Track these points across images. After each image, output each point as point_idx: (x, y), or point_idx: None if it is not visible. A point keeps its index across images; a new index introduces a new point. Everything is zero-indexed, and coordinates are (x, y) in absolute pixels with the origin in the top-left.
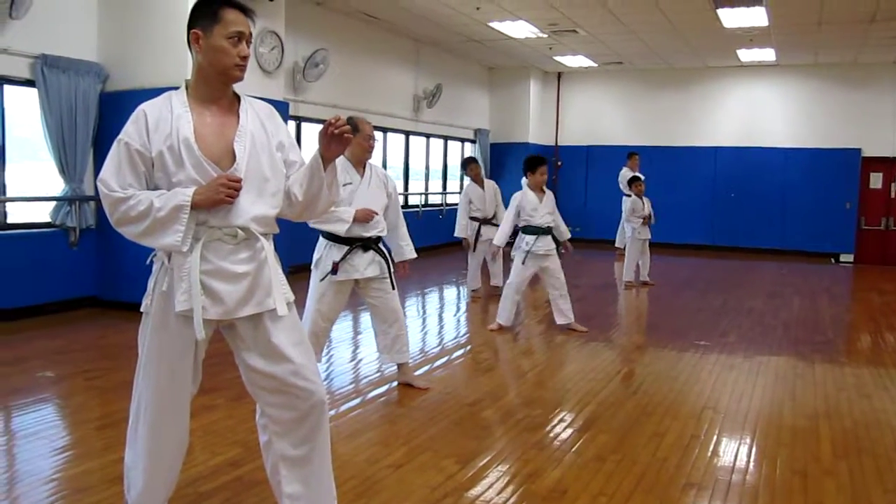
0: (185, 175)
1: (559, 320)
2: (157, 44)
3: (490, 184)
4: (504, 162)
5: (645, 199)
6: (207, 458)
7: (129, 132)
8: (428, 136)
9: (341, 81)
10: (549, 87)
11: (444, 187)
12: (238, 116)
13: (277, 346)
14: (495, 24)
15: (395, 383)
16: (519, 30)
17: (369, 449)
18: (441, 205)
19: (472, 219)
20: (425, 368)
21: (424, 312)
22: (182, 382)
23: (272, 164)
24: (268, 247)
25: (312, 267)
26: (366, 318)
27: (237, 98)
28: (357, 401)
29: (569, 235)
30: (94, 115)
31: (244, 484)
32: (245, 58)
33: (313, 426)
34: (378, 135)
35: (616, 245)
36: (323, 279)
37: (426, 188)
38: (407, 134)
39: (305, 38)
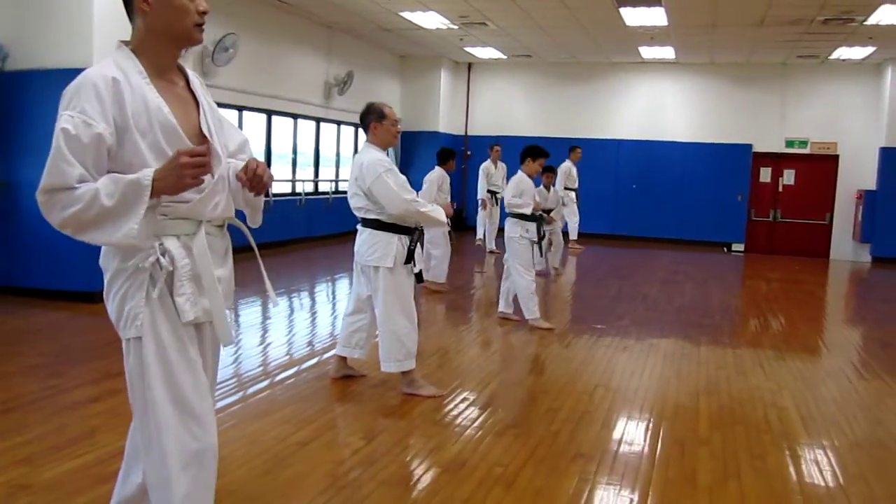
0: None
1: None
2: (61, 21)
3: None
4: (414, 150)
5: (553, 190)
6: (116, 438)
7: (86, 111)
8: (339, 123)
9: (251, 67)
10: (459, 77)
11: None
12: (191, 91)
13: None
14: (406, 14)
15: (303, 365)
16: (430, 20)
17: (277, 427)
18: None
19: None
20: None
21: (334, 299)
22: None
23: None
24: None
25: (385, 266)
26: (279, 303)
27: (180, 68)
28: (265, 383)
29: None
30: None
31: None
32: (205, 13)
33: None
34: (288, 121)
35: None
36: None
37: (336, 175)
38: (318, 121)
39: (215, 22)
